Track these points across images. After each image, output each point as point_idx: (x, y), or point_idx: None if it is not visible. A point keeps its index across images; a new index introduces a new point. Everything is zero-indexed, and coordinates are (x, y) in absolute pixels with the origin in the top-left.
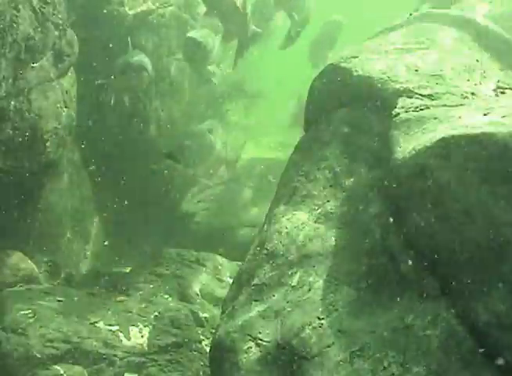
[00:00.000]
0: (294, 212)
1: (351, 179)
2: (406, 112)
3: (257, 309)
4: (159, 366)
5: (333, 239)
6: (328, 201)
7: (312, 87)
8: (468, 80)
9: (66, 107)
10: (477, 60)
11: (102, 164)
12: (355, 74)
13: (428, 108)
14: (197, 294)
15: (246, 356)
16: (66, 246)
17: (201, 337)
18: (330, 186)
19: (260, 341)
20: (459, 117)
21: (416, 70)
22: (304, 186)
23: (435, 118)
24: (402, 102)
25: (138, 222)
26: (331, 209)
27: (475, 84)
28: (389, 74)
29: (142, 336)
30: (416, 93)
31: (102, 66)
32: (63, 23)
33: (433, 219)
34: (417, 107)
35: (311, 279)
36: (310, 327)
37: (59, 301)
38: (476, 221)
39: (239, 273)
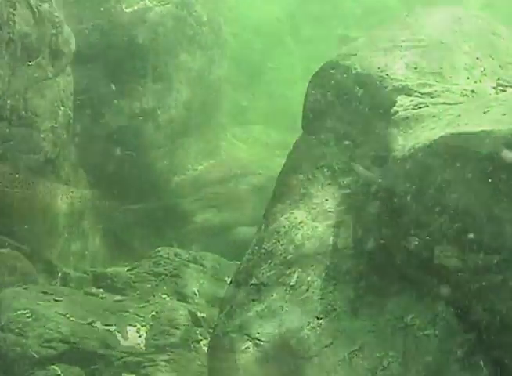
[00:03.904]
0: (292, 211)
1: (350, 178)
2: (405, 110)
3: (255, 308)
4: (156, 367)
5: (332, 238)
6: (326, 200)
7: (311, 85)
8: (468, 78)
9: (62, 106)
10: (477, 58)
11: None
12: (353, 71)
13: (427, 106)
14: (195, 294)
15: (244, 355)
16: (63, 246)
17: (199, 337)
18: (329, 184)
19: (258, 341)
20: (459, 115)
21: (415, 68)
22: (303, 185)
23: (434, 116)
24: (401, 100)
25: (136, 222)
26: (329, 208)
27: (475, 82)
28: (388, 72)
29: (139, 336)
30: (415, 91)
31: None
32: (59, 21)
33: (432, 218)
34: (416, 105)
35: (309, 278)
36: (308, 327)
37: (56, 300)
38: (476, 219)
39: (237, 273)
